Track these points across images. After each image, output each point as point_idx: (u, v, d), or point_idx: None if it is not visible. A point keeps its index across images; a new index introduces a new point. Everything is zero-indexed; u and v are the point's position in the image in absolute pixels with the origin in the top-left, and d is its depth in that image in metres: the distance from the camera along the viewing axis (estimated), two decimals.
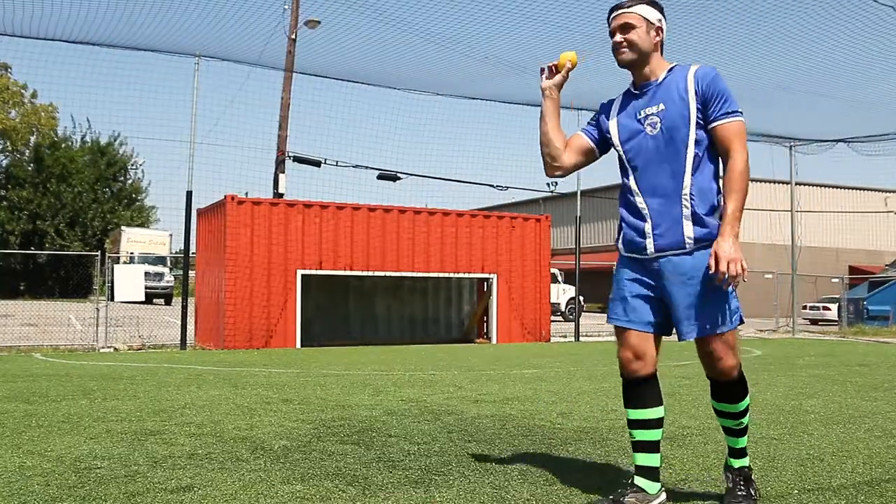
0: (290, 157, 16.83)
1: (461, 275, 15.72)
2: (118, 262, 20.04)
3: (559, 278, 29.83)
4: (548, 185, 34.16)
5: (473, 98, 17.35)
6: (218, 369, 9.43)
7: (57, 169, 42.91)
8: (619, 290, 3.35)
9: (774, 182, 34.73)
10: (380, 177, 17.40)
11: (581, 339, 17.45)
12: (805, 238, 26.22)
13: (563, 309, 29.52)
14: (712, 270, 3.03)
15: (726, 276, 2.99)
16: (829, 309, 29.61)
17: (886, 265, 31.67)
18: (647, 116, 3.25)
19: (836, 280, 27.93)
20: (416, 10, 12.55)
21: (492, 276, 15.81)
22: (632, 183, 3.28)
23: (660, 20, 3.28)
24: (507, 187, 19.67)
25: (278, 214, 13.91)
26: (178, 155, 22.22)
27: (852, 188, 42.85)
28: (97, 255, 15.03)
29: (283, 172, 16.76)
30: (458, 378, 8.51)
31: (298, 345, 13.81)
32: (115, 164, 46.57)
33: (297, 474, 3.84)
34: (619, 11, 3.27)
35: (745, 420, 3.32)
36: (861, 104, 15.74)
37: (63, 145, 44.69)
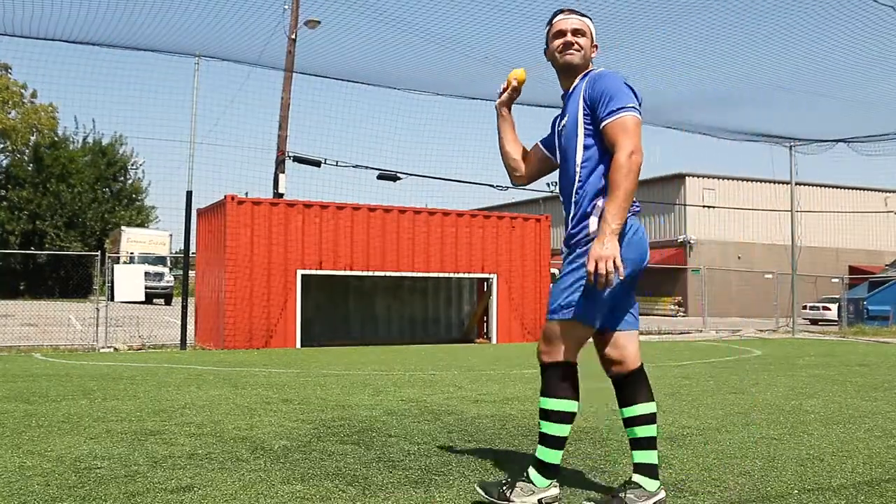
0: (290, 157, 16.82)
1: (461, 275, 15.72)
2: (118, 262, 20.05)
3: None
4: (548, 184, 34.18)
5: (473, 98, 17.36)
6: (218, 369, 9.43)
7: (57, 169, 42.92)
8: None
9: (774, 182, 34.80)
10: (380, 177, 17.39)
11: None
12: (805, 238, 26.24)
13: None
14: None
15: (595, 275, 2.94)
16: (829, 309, 29.62)
17: (886, 265, 31.69)
18: (561, 128, 3.39)
19: (836, 280, 27.93)
20: (415, 10, 12.55)
21: (492, 276, 15.81)
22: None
23: (596, 40, 3.42)
24: (507, 187, 19.69)
25: (278, 214, 13.91)
26: (179, 155, 22.29)
27: (852, 188, 42.86)
28: (97, 256, 15.04)
29: (283, 172, 16.76)
30: (458, 378, 8.51)
31: (298, 345, 13.81)
32: (115, 164, 46.58)
33: (297, 474, 3.84)
34: (574, 16, 3.36)
35: (547, 429, 3.15)
36: (861, 104, 15.74)
37: (63, 145, 44.71)
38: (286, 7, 15.96)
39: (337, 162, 16.72)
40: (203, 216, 15.35)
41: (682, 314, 35.86)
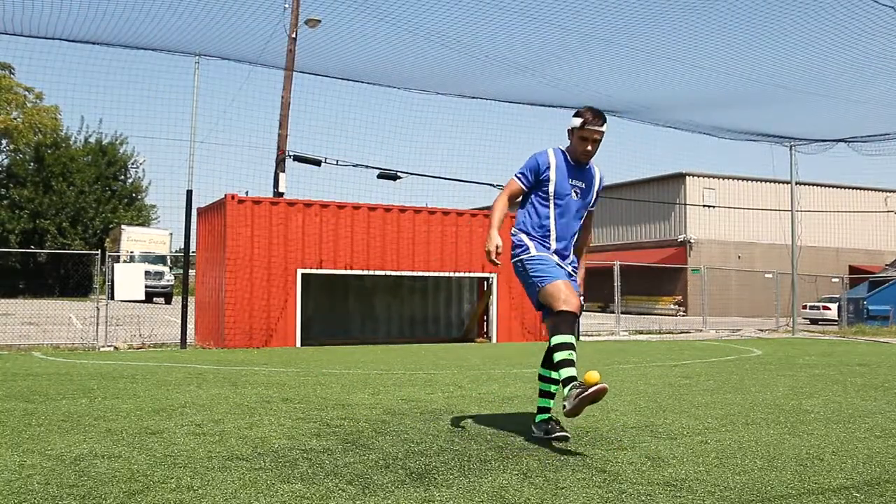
0: (290, 156, 16.81)
1: (461, 274, 15.72)
2: (118, 261, 20.04)
3: None
4: None
5: (474, 97, 17.35)
6: (218, 368, 9.43)
7: (58, 168, 42.93)
8: None
9: (775, 182, 34.81)
10: (380, 176, 17.37)
11: (581, 338, 17.46)
12: (805, 238, 26.24)
13: None
14: None
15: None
16: (828, 308, 29.64)
17: (886, 265, 31.70)
18: (579, 190, 4.75)
19: (836, 280, 27.96)
20: (416, 9, 12.51)
21: (492, 275, 15.81)
22: None
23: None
24: None
25: (278, 213, 13.91)
26: (179, 154, 22.22)
27: (852, 188, 42.87)
28: (97, 254, 15.03)
29: (284, 171, 16.74)
30: (458, 377, 8.51)
31: (298, 344, 13.81)
32: (115, 163, 46.60)
33: (297, 473, 3.84)
34: (601, 125, 4.53)
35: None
36: (862, 104, 15.73)
37: (63, 145, 44.72)
38: (286, 6, 15.95)
39: (337, 161, 16.71)
40: (203, 215, 15.35)
41: (682, 314, 35.87)
